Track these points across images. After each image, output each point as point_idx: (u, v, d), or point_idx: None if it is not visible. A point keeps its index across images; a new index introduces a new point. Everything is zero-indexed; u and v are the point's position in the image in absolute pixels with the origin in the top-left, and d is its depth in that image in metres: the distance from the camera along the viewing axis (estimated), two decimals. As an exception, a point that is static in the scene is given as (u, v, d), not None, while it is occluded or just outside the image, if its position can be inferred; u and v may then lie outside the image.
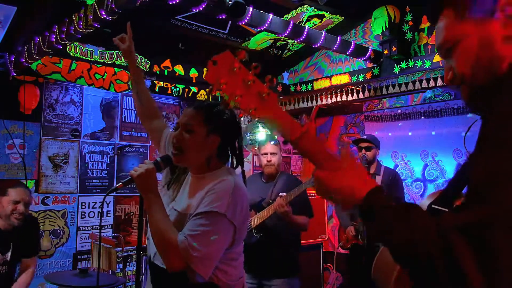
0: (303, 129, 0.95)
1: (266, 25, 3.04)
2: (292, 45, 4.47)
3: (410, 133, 5.04)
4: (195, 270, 1.49)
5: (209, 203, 1.54)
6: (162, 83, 4.54)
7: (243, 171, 1.76)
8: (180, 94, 4.74)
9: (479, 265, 0.70)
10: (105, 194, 4.20)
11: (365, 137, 4.10)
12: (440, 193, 0.98)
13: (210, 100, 1.88)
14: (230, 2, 2.63)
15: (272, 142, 3.37)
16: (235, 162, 1.75)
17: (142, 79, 2.07)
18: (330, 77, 4.37)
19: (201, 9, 2.73)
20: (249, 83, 0.93)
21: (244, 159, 5.61)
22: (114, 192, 4.11)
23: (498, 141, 0.76)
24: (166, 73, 4.11)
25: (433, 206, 0.86)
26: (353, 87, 4.42)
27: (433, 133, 4.82)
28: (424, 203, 1.16)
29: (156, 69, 4.03)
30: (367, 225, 0.92)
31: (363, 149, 3.98)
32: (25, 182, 3.71)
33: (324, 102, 4.69)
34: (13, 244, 2.92)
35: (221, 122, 1.68)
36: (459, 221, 0.75)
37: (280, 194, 3.21)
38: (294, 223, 3.14)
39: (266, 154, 3.34)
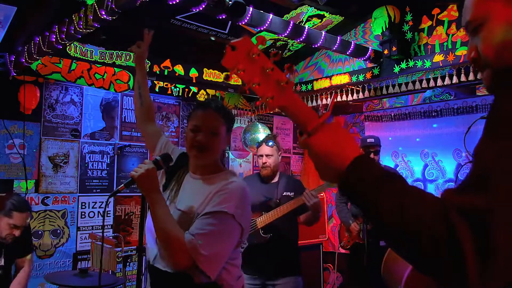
0: (320, 120, 0.92)
1: (266, 25, 3.04)
2: (292, 45, 4.47)
3: (410, 133, 5.04)
4: (202, 270, 1.50)
5: (218, 204, 1.56)
6: (162, 83, 4.54)
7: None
8: (180, 94, 4.74)
9: (477, 251, 0.69)
10: (105, 194, 4.24)
11: (372, 140, 4.09)
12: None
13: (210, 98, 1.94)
14: (230, 2, 2.63)
15: (270, 144, 3.38)
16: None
17: (147, 83, 2.15)
18: (330, 77, 4.37)
19: (201, 9, 2.73)
20: (268, 70, 0.90)
21: (244, 159, 5.61)
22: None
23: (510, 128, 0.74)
24: (166, 73, 4.11)
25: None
26: (353, 87, 4.42)
27: (433, 133, 4.82)
28: None
29: (156, 69, 4.03)
30: (355, 198, 0.86)
31: (372, 153, 4.00)
32: (25, 182, 3.72)
33: (324, 102, 4.69)
34: (5, 250, 2.90)
35: (233, 122, 1.81)
36: (461, 202, 0.73)
37: (285, 193, 3.29)
38: (319, 214, 3.27)
39: (261, 156, 3.36)
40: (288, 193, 3.28)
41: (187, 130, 1.75)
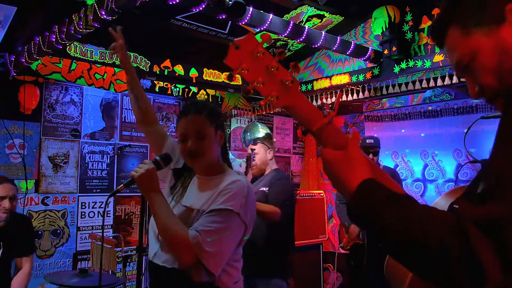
0: (326, 119, 0.91)
1: (266, 25, 3.04)
2: (292, 45, 4.47)
3: (410, 133, 5.03)
4: (205, 266, 1.50)
5: (223, 201, 1.57)
6: (162, 83, 4.54)
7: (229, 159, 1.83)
8: (180, 94, 4.74)
9: (499, 262, 0.68)
10: (105, 194, 4.23)
11: (371, 141, 4.11)
12: (463, 192, 0.93)
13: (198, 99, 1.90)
14: (230, 2, 2.63)
15: (254, 143, 3.36)
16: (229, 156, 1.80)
17: (139, 84, 2.05)
18: (330, 77, 4.37)
19: (201, 9, 2.73)
20: (272, 69, 0.88)
21: (244, 159, 5.59)
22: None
23: None
24: (166, 73, 4.11)
25: (455, 206, 0.84)
26: (353, 87, 4.42)
27: (433, 133, 4.82)
28: (440, 202, 1.12)
29: (156, 69, 4.02)
30: (363, 222, 0.87)
31: (371, 154, 4.02)
32: (25, 182, 3.72)
33: (324, 102, 4.69)
34: (4, 243, 2.90)
35: (220, 117, 1.75)
36: (477, 214, 0.72)
37: (261, 188, 3.13)
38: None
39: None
40: (264, 188, 3.12)
41: (178, 141, 1.72)
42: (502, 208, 0.70)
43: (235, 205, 1.56)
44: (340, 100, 4.55)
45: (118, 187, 1.61)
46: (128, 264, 3.58)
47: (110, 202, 4.23)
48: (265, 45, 0.89)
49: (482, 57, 0.88)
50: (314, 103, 4.78)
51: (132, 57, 3.83)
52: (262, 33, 3.79)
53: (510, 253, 0.68)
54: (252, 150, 3.31)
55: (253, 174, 3.34)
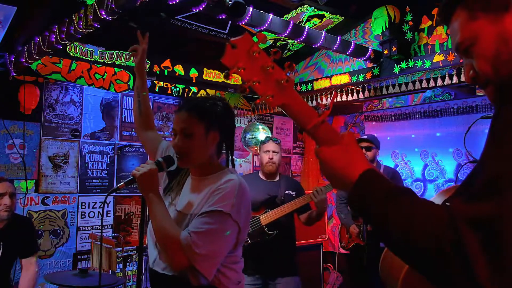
0: (320, 118, 0.92)
1: (266, 25, 3.04)
2: (292, 45, 4.47)
3: (410, 133, 5.04)
4: (198, 270, 1.48)
5: (214, 203, 1.54)
6: (162, 83, 4.54)
7: (232, 159, 1.77)
8: (180, 94, 4.74)
9: (487, 260, 0.69)
10: (105, 194, 4.23)
11: (365, 137, 4.11)
12: (456, 190, 0.94)
13: (200, 96, 1.88)
14: (230, 2, 2.63)
15: (277, 141, 3.41)
16: (230, 157, 1.76)
17: (147, 91, 2.08)
18: (330, 77, 4.37)
19: (201, 9, 2.73)
20: (268, 69, 0.90)
21: (244, 159, 5.58)
22: (115, 192, 4.12)
23: None
24: (166, 73, 4.11)
25: (447, 203, 0.85)
26: (353, 87, 4.42)
27: (433, 133, 4.82)
28: (436, 200, 1.13)
29: (156, 69, 4.03)
30: (363, 213, 0.88)
31: (364, 149, 4.00)
32: (25, 182, 3.72)
33: (324, 102, 4.69)
34: (4, 243, 2.91)
35: (217, 116, 1.67)
36: (470, 213, 0.73)
37: (287, 192, 3.30)
38: (324, 212, 3.26)
39: (268, 151, 3.36)
40: (290, 192, 3.29)
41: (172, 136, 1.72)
42: (493, 207, 0.70)
43: (226, 205, 1.53)
44: (340, 100, 4.55)
45: (119, 185, 1.61)
46: (128, 264, 3.58)
47: (110, 202, 4.23)
48: (261, 45, 0.91)
49: (482, 43, 0.88)
50: (314, 103, 4.78)
51: (132, 57, 3.83)
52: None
53: (499, 250, 0.69)
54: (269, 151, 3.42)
55: (269, 171, 3.37)
